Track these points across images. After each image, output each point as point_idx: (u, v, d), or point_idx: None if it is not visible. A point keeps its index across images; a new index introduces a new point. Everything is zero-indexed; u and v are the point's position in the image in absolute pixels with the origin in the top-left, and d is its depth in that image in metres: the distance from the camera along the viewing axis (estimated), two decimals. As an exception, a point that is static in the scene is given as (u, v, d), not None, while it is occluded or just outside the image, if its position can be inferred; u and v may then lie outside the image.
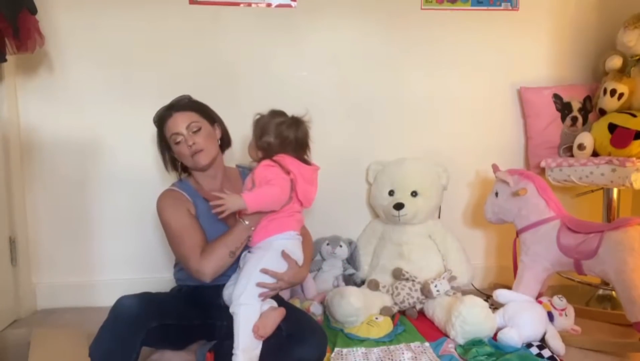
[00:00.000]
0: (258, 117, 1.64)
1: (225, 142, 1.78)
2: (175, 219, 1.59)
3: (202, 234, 1.59)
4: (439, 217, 2.36)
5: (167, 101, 2.29)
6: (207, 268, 1.52)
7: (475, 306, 1.79)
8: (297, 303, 1.99)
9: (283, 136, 1.59)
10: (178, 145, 1.63)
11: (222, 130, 1.76)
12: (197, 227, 1.60)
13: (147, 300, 1.44)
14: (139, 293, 1.47)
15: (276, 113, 1.63)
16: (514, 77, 2.50)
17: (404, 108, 2.46)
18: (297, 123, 1.62)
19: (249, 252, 1.60)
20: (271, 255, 1.55)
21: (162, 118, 1.66)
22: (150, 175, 2.26)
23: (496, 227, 2.37)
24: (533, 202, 2.04)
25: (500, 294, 1.92)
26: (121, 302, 1.41)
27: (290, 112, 2.36)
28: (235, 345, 1.41)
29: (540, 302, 1.89)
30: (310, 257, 1.79)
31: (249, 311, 1.45)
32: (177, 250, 1.60)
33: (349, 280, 2.26)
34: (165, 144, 1.70)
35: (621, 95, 2.21)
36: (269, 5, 2.33)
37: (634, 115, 2.15)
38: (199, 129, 1.64)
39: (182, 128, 1.62)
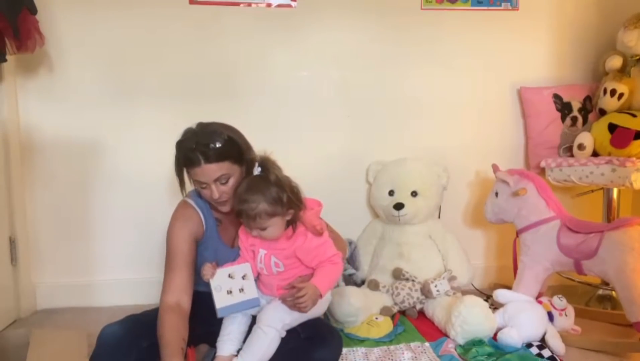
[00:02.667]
0: (257, 192, 1.41)
1: (250, 169, 1.57)
2: (176, 246, 1.54)
3: (189, 274, 1.53)
4: (439, 217, 2.36)
5: (167, 101, 2.29)
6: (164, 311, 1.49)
7: (475, 306, 1.79)
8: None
9: (292, 185, 1.47)
10: (203, 189, 1.51)
11: (249, 161, 1.55)
12: (189, 264, 1.54)
13: (131, 322, 1.44)
14: (123, 318, 1.46)
15: (261, 177, 1.45)
16: (514, 77, 2.50)
17: (404, 108, 2.45)
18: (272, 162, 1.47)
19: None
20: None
21: (188, 161, 1.47)
22: (151, 174, 2.26)
23: (496, 227, 2.37)
24: (533, 202, 2.04)
25: (500, 294, 1.92)
26: (104, 331, 1.41)
27: (288, 113, 2.39)
28: (244, 353, 1.43)
29: (540, 302, 1.89)
30: None
31: (277, 340, 1.44)
32: (165, 270, 1.55)
33: (349, 280, 2.26)
34: (183, 169, 1.54)
35: (621, 95, 2.21)
36: (269, 5, 2.33)
37: (634, 115, 2.15)
38: (227, 180, 1.49)
39: (210, 180, 1.47)
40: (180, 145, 1.50)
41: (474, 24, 2.44)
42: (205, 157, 1.44)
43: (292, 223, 1.47)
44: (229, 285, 1.45)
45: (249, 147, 1.58)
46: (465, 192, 2.54)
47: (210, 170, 1.45)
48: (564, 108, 2.41)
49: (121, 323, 1.43)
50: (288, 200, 1.43)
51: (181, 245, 1.54)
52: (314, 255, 1.47)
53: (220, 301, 1.43)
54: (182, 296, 1.49)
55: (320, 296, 1.42)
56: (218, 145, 1.46)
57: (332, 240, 1.55)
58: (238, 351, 1.48)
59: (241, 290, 1.46)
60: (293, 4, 2.34)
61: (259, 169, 1.46)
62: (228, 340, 1.49)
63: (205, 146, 1.44)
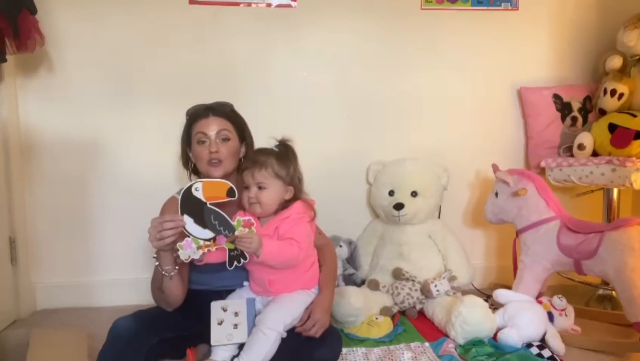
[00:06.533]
0: (272, 150, 1.55)
1: (248, 152, 1.71)
2: None
3: None
4: (439, 217, 2.36)
5: (167, 100, 2.30)
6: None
7: (475, 306, 1.79)
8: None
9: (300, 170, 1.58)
10: (200, 145, 1.59)
11: (247, 144, 1.71)
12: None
13: (142, 318, 1.46)
14: (133, 312, 1.49)
15: (276, 150, 1.57)
16: (514, 77, 2.50)
17: (404, 108, 2.46)
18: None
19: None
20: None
21: (196, 115, 1.63)
22: (151, 174, 2.26)
23: (496, 227, 2.37)
24: (533, 202, 2.04)
25: (500, 294, 1.92)
26: (117, 324, 1.43)
27: (288, 112, 2.39)
28: (245, 355, 1.43)
29: (540, 302, 1.89)
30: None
31: (278, 342, 1.45)
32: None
33: (349, 280, 2.26)
34: (188, 139, 1.66)
35: (621, 95, 2.21)
36: (269, 5, 2.33)
37: (634, 115, 2.15)
38: (227, 140, 1.61)
39: (211, 132, 1.59)
40: (192, 109, 1.67)
41: (474, 24, 2.44)
42: (214, 111, 1.62)
43: (286, 204, 1.53)
44: (222, 317, 1.49)
45: (250, 133, 1.72)
46: (465, 192, 2.54)
47: (216, 122, 1.60)
48: (564, 108, 2.41)
49: (134, 317, 1.45)
50: (293, 176, 1.53)
51: None
52: (286, 228, 1.50)
53: (214, 331, 1.48)
54: None
55: (257, 256, 1.41)
56: (228, 109, 1.66)
57: (317, 246, 1.62)
58: (233, 358, 1.48)
59: (235, 325, 1.48)
60: (293, 4, 2.34)
61: (277, 147, 1.56)
62: (223, 346, 1.49)
63: (216, 107, 1.64)
